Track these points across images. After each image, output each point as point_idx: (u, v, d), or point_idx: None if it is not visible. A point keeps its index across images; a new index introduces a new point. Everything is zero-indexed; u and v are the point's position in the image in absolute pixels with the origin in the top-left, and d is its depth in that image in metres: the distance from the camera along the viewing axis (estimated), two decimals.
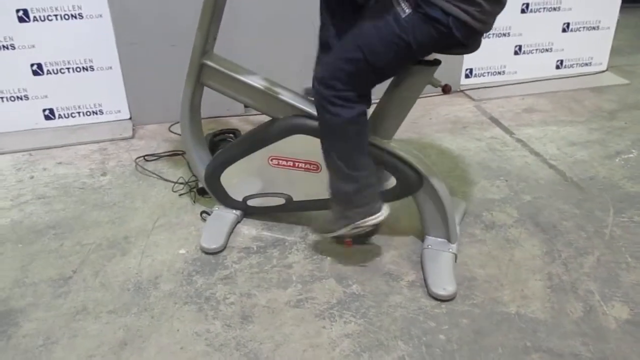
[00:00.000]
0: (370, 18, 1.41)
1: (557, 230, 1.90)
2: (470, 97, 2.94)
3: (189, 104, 1.78)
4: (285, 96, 1.69)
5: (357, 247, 1.78)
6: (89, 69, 2.50)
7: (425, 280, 1.65)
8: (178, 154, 2.34)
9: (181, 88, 1.76)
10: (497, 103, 2.90)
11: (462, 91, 3.01)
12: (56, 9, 2.35)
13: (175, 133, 2.53)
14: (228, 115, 2.68)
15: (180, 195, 2.07)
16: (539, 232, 1.89)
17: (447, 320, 1.52)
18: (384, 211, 1.60)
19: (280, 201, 1.83)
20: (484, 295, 1.61)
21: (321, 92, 1.49)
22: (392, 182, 1.70)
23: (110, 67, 2.52)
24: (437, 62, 1.52)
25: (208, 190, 1.91)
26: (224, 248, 1.79)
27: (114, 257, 1.75)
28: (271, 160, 1.77)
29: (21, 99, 2.49)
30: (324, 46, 1.74)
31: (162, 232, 1.87)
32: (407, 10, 1.33)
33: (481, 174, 2.25)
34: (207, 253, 1.77)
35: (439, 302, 1.58)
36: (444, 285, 1.61)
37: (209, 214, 1.90)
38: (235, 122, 2.64)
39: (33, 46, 2.40)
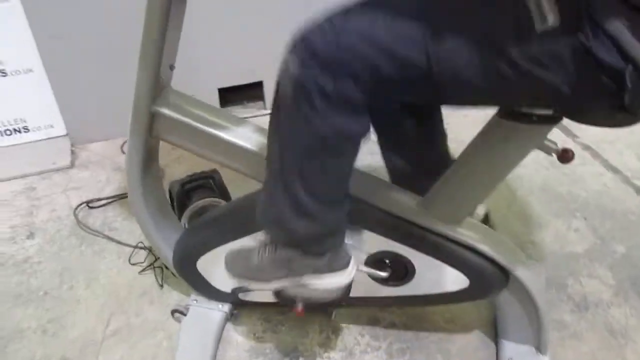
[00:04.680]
0: (463, 12, 0.73)
1: None
2: None
3: (140, 165, 1.14)
4: None
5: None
6: None
7: None
8: None
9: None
10: None
11: None
12: None
13: None
14: None
15: (141, 272, 1.46)
16: None
17: None
18: (351, 268, 0.96)
19: None
20: None
21: (305, 70, 0.76)
22: (459, 281, 1.12)
23: (31, 70, 1.80)
24: (556, 119, 0.89)
25: (180, 277, 1.31)
26: None
27: None
28: None
29: None
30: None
31: (118, 345, 1.28)
32: (552, 22, 0.67)
33: (550, 207, 1.67)
34: None
35: None
36: None
37: (184, 314, 1.31)
38: None
39: None
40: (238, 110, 2.13)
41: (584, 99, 0.76)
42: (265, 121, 2.06)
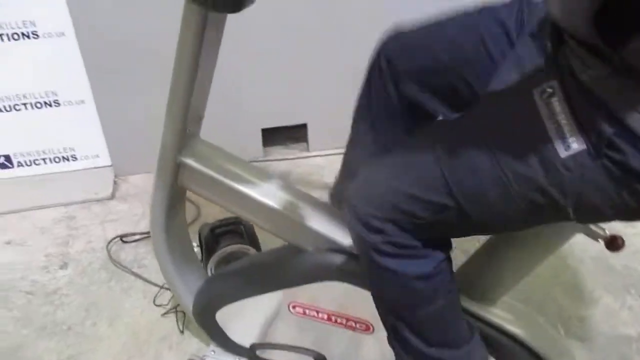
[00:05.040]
0: (479, 138, 0.71)
1: None
2: None
3: (164, 212, 1.13)
4: (315, 220, 1.01)
5: None
6: (52, 104, 1.85)
7: None
8: None
9: None
10: None
11: None
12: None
13: None
14: None
15: (164, 315, 1.44)
16: None
17: None
18: None
19: None
20: None
21: (358, 231, 0.81)
22: None
23: (82, 101, 1.86)
24: None
25: (199, 326, 1.28)
26: None
27: None
28: (292, 307, 1.11)
29: None
30: (348, 171, 1.08)
31: None
32: (576, 147, 0.62)
33: (601, 280, 1.54)
34: None
35: None
36: None
37: None
38: None
39: None
40: (281, 151, 2.12)
41: (633, 215, 0.69)
42: (307, 163, 2.06)
